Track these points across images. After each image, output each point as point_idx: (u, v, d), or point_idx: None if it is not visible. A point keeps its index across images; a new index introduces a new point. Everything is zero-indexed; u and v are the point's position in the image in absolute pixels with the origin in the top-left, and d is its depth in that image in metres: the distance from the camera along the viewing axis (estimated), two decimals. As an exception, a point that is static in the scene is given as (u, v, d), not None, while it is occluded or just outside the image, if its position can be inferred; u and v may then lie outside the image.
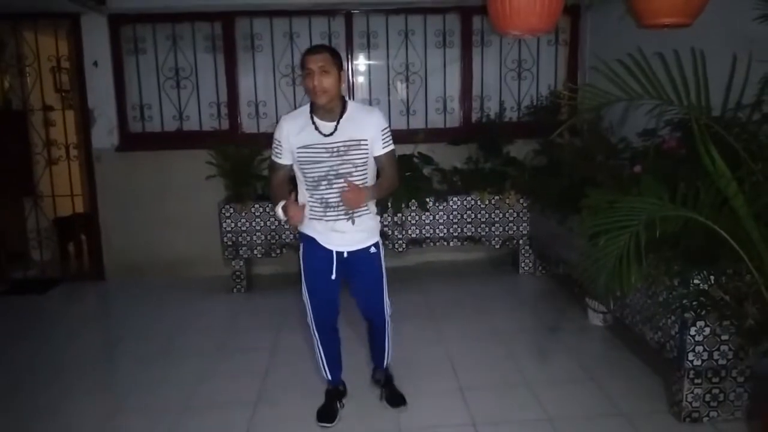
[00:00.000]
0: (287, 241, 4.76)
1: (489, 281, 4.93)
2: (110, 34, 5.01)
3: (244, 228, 4.72)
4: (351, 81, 5.23)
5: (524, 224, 4.91)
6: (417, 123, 5.32)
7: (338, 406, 2.90)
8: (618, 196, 2.43)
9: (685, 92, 2.31)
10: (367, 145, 2.55)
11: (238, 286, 4.83)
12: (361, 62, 5.24)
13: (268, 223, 4.73)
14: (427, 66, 5.29)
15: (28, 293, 4.92)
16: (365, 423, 2.84)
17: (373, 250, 2.69)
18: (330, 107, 2.50)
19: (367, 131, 2.54)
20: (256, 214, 4.72)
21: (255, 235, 4.74)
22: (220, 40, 5.10)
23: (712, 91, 2.33)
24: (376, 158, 2.62)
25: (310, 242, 2.66)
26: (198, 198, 5.05)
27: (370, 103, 5.25)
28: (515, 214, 4.89)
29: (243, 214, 4.71)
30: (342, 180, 2.52)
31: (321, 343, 2.84)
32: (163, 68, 5.16)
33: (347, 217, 2.58)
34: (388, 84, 5.29)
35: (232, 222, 4.71)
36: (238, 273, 4.81)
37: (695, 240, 2.44)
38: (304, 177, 2.59)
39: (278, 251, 4.78)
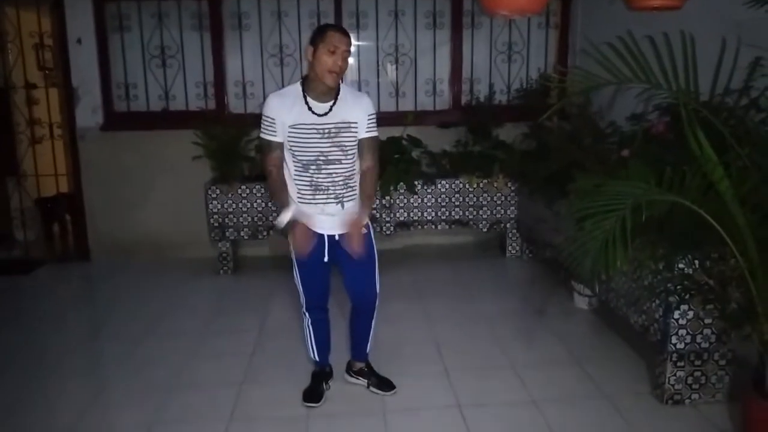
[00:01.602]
0: (274, 223, 4.72)
1: (476, 265, 4.94)
2: (94, 10, 4.91)
3: (230, 209, 4.69)
4: (340, 62, 5.17)
5: (512, 208, 4.91)
6: (406, 105, 5.28)
7: (324, 387, 2.91)
8: (605, 180, 2.43)
9: (673, 76, 2.30)
10: (356, 127, 2.56)
11: (224, 268, 4.81)
12: (350, 43, 5.18)
13: (254, 205, 4.70)
14: (416, 47, 5.24)
15: (12, 274, 4.87)
16: (350, 404, 2.85)
17: (363, 230, 2.67)
18: (331, 90, 2.51)
19: (356, 114, 2.56)
20: (243, 195, 4.68)
21: (241, 216, 4.71)
22: (207, 18, 5.02)
23: (700, 76, 2.32)
24: (359, 141, 2.61)
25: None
26: (184, 179, 5.00)
27: (359, 86, 5.22)
28: (503, 198, 4.89)
29: (229, 195, 4.67)
30: (332, 166, 2.52)
31: (312, 325, 2.85)
32: (148, 46, 5.07)
33: (337, 200, 2.57)
34: (378, 65, 5.25)
35: (218, 203, 4.68)
36: (224, 254, 4.79)
37: (681, 224, 2.45)
38: (294, 159, 2.56)
39: (265, 233, 4.76)
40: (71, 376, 3.17)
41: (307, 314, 2.84)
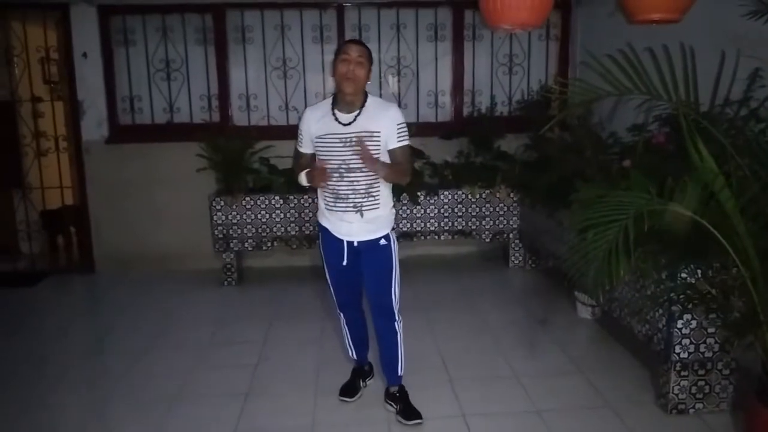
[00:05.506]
0: (278, 234, 4.76)
1: (479, 275, 4.95)
2: (100, 25, 4.97)
3: (234, 221, 4.72)
4: (342, 74, 5.22)
5: (514, 218, 4.94)
6: (408, 117, 5.17)
7: (360, 384, 3.01)
8: (607, 191, 2.45)
9: (673, 88, 2.33)
10: (379, 137, 2.58)
11: (228, 279, 4.82)
12: (352, 55, 5.22)
13: (258, 216, 4.73)
14: (418, 60, 5.29)
15: (17, 286, 4.89)
16: (356, 413, 2.86)
17: (383, 242, 2.70)
18: (352, 99, 2.58)
19: (381, 124, 2.58)
20: (247, 206, 4.71)
21: (246, 227, 4.73)
22: (211, 32, 5.08)
23: (700, 87, 2.35)
24: (390, 152, 2.64)
25: (324, 231, 2.75)
26: (188, 191, 5.03)
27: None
28: (505, 208, 4.92)
29: (233, 206, 4.70)
30: (353, 174, 2.58)
31: (346, 324, 2.97)
32: (153, 60, 5.13)
33: (356, 209, 2.62)
34: (380, 78, 5.28)
35: (222, 215, 4.71)
36: (228, 266, 4.81)
37: (682, 234, 2.46)
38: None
39: (269, 244, 4.78)
40: (75, 388, 3.18)
41: (341, 314, 2.95)
